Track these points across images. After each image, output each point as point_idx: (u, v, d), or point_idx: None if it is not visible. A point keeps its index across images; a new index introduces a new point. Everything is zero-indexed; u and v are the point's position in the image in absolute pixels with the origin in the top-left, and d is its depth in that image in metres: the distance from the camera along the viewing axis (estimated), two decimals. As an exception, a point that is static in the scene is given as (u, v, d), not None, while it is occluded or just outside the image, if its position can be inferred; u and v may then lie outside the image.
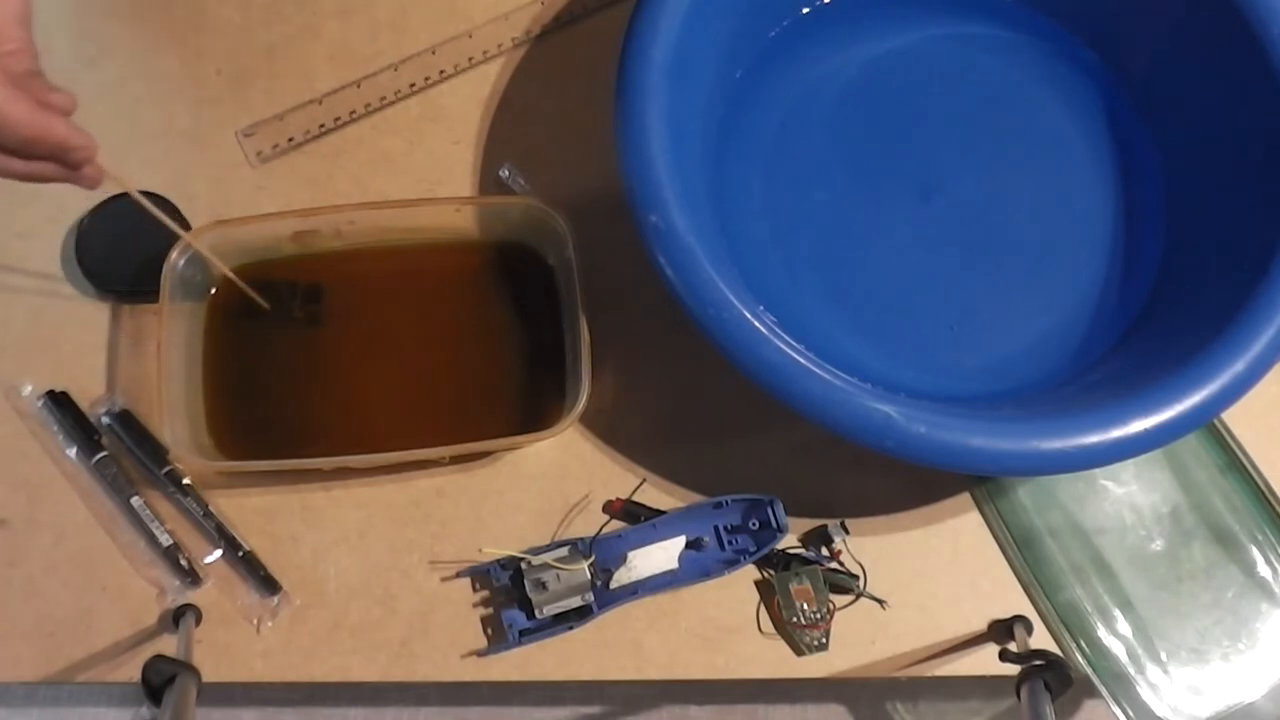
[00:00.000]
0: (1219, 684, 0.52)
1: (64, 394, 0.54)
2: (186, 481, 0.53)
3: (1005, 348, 0.54)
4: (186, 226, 0.55)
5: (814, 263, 0.55)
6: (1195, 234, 0.55)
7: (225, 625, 0.52)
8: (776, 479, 0.54)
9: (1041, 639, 0.52)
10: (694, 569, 0.52)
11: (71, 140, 0.41)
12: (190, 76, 0.59)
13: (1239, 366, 0.46)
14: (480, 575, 0.52)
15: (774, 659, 0.52)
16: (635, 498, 0.53)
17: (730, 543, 0.52)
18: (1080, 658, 0.51)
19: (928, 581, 0.53)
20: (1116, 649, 0.52)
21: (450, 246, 0.55)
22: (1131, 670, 0.51)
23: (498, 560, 0.51)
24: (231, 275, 0.52)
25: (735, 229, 0.54)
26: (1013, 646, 0.51)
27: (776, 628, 0.52)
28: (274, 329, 0.54)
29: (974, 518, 0.54)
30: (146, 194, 0.55)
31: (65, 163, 0.42)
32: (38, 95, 0.40)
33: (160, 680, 0.45)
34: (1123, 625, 0.52)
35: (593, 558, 0.51)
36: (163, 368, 0.50)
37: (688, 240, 0.47)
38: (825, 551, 0.53)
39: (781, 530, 0.52)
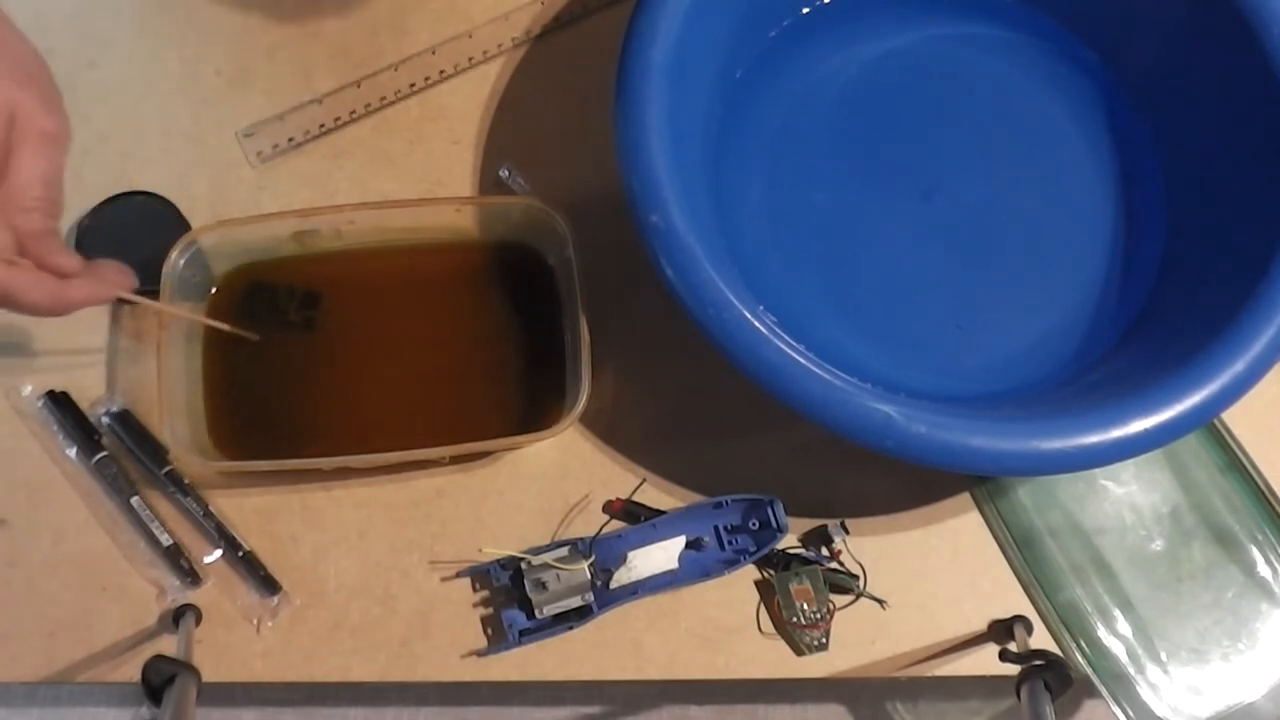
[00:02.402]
0: (1219, 684, 0.52)
1: (64, 394, 0.54)
2: (186, 481, 0.53)
3: (1005, 348, 0.54)
4: (187, 226, 0.55)
5: (814, 262, 0.55)
6: (1195, 234, 0.55)
7: (225, 625, 0.52)
8: (776, 479, 0.54)
9: (1041, 639, 0.52)
10: (694, 569, 0.52)
11: (86, 304, 0.42)
12: (190, 77, 0.59)
13: (1239, 366, 0.46)
14: (480, 575, 0.52)
15: (774, 659, 0.52)
16: (635, 498, 0.53)
17: (730, 543, 0.52)
18: (1080, 658, 0.51)
19: (928, 581, 0.53)
20: (1116, 649, 0.52)
21: (450, 246, 0.55)
22: (1131, 670, 0.51)
23: (498, 560, 0.51)
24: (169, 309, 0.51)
25: (735, 229, 0.54)
26: (1013, 646, 0.51)
27: (776, 628, 0.52)
28: (271, 332, 0.54)
29: (974, 518, 0.54)
30: (147, 194, 0.56)
31: None
32: (42, 257, 0.40)
33: (160, 680, 0.45)
34: (1123, 625, 0.52)
35: (593, 558, 0.51)
36: (163, 368, 0.50)
37: (688, 240, 0.47)
38: (825, 551, 0.53)
39: (781, 530, 0.52)
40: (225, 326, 0.52)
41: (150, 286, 0.50)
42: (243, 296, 0.54)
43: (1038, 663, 0.47)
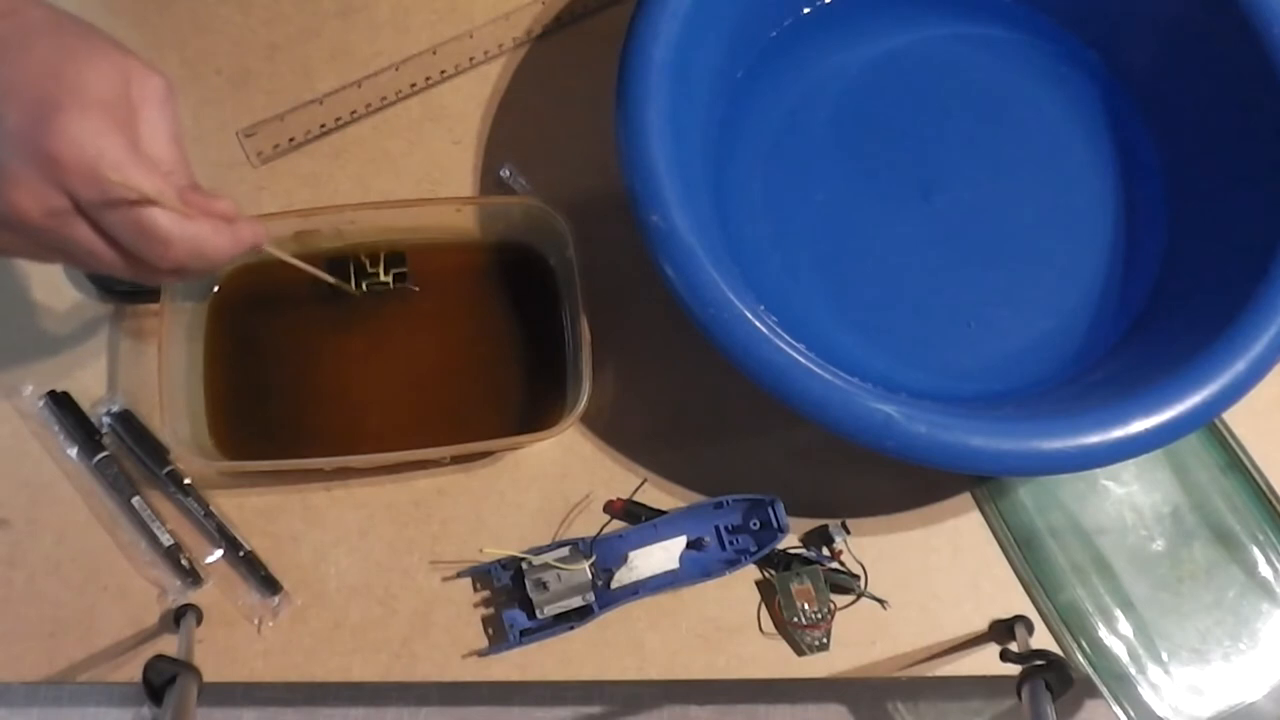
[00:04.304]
0: (1220, 684, 0.52)
1: (65, 394, 0.54)
2: (187, 481, 0.53)
3: (1006, 347, 0.54)
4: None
5: (814, 262, 0.55)
6: (1196, 233, 0.55)
7: (226, 625, 0.52)
8: (777, 479, 0.54)
9: (1042, 639, 0.52)
10: (695, 569, 0.52)
11: (254, 242, 0.41)
12: (191, 76, 0.59)
13: (1239, 366, 0.46)
14: (481, 575, 0.52)
15: (775, 659, 0.52)
16: (636, 498, 0.53)
17: (731, 543, 0.52)
18: (1081, 658, 0.51)
19: (928, 581, 0.53)
20: (1117, 649, 0.52)
21: (450, 246, 0.55)
22: (1132, 670, 0.51)
23: (498, 560, 0.51)
24: (309, 268, 0.51)
25: (736, 229, 0.54)
26: (1013, 646, 0.51)
27: (777, 628, 0.52)
28: (368, 299, 0.54)
29: (974, 518, 0.54)
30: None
31: None
32: (204, 208, 0.39)
33: (161, 680, 0.45)
34: (1124, 625, 0.52)
35: (593, 558, 0.51)
36: (164, 367, 0.50)
37: (688, 240, 0.47)
38: (826, 551, 0.53)
39: (782, 530, 0.52)
40: (330, 279, 0.52)
41: (151, 287, 0.51)
42: (246, 294, 0.54)
43: (1039, 663, 0.47)
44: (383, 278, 0.54)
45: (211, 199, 0.40)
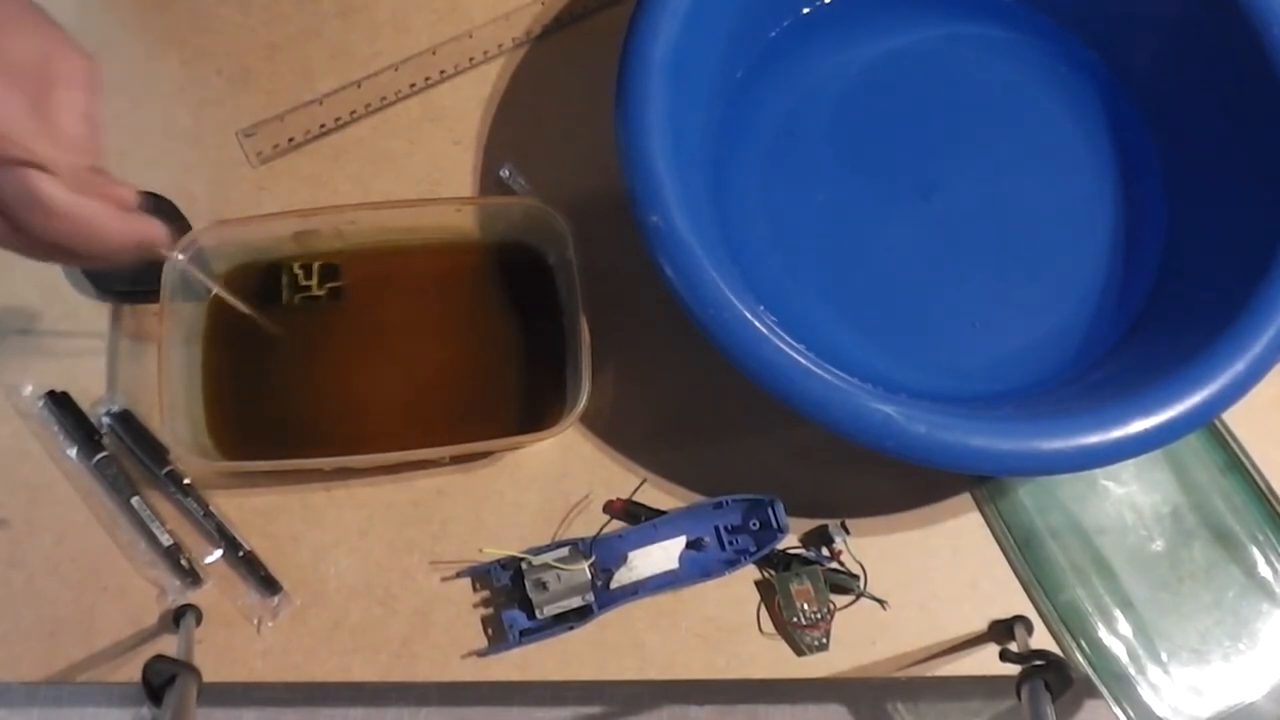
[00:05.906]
0: (1220, 684, 0.52)
1: (64, 394, 0.54)
2: (187, 481, 0.53)
3: (1006, 347, 0.54)
4: (187, 226, 0.55)
5: (814, 262, 0.55)
6: (1196, 233, 0.55)
7: (226, 625, 0.52)
8: (777, 479, 0.54)
9: (1042, 639, 0.52)
10: (694, 569, 0.52)
11: (150, 239, 0.41)
12: (191, 77, 0.59)
13: (1239, 366, 0.46)
14: (480, 575, 0.52)
15: (774, 659, 0.52)
16: (636, 498, 0.53)
17: (731, 543, 0.52)
18: (1081, 658, 0.51)
19: (928, 581, 0.53)
20: (1117, 649, 0.52)
21: (450, 246, 0.55)
22: (1132, 670, 0.51)
23: (498, 560, 0.51)
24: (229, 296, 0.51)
25: (735, 229, 0.54)
26: (1013, 646, 0.51)
27: (777, 628, 0.52)
28: (297, 310, 0.53)
29: (974, 518, 0.54)
30: (147, 194, 0.56)
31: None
32: (102, 189, 0.38)
33: (161, 680, 0.45)
34: (1123, 625, 0.52)
35: (593, 558, 0.51)
36: (163, 368, 0.50)
37: (688, 240, 0.47)
38: (825, 551, 0.53)
39: (782, 530, 0.52)
40: (244, 308, 0.51)
41: (150, 286, 0.51)
42: (256, 285, 0.53)
43: (1038, 663, 0.47)
44: (315, 291, 0.53)
45: (112, 184, 0.39)
